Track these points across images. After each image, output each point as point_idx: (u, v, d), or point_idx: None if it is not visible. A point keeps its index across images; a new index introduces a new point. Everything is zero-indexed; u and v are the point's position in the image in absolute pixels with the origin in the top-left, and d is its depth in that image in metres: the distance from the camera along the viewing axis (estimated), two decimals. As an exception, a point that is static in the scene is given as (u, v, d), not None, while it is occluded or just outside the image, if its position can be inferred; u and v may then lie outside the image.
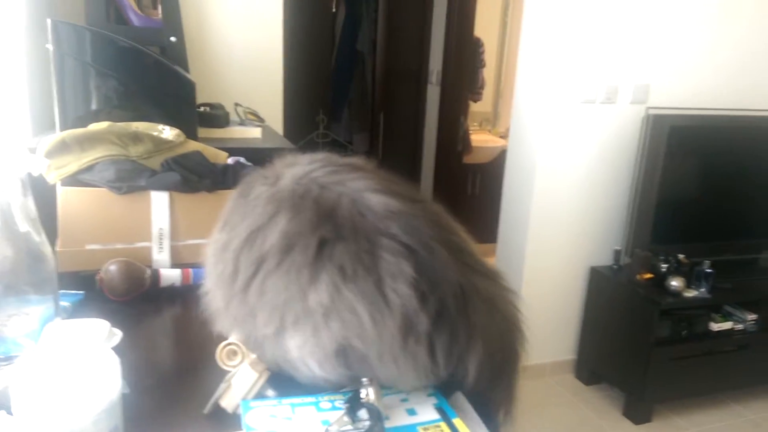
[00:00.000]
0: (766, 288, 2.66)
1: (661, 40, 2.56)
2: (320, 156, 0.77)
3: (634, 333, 2.50)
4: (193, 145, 1.15)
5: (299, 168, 0.74)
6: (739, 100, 2.72)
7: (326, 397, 0.73)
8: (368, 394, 0.67)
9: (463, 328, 0.68)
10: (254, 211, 0.71)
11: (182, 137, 1.15)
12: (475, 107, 4.47)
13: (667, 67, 2.61)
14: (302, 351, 0.68)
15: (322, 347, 0.67)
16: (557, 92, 2.50)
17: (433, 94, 3.87)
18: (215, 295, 0.75)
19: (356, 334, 0.65)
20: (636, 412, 2.53)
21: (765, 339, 2.62)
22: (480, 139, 4.39)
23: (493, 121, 4.72)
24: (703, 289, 2.48)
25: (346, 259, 0.65)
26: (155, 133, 1.13)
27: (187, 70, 1.63)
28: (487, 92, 4.56)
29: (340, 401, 0.71)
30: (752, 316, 2.61)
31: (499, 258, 2.90)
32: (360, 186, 0.70)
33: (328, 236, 0.66)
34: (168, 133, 1.14)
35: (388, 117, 4.19)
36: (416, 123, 4.00)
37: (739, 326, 2.60)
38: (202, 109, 1.59)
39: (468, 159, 4.12)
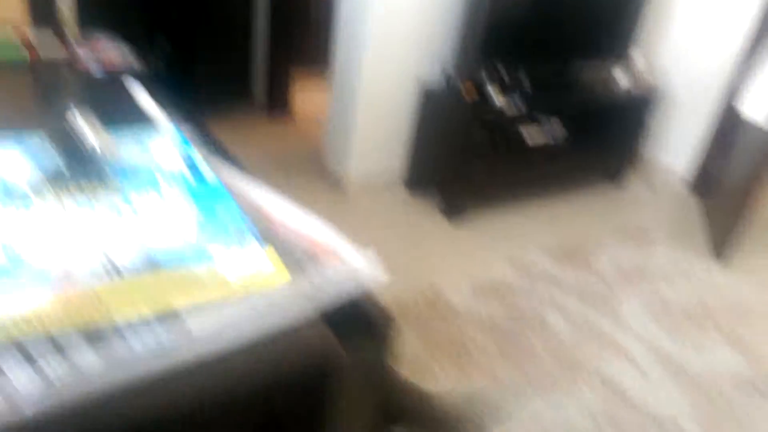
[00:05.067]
0: (571, 99, 2.91)
1: None
2: None
3: (457, 142, 2.66)
4: None
5: None
6: None
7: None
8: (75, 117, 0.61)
9: None
10: None
11: None
12: None
13: None
14: None
15: None
16: None
17: None
18: None
19: None
20: (452, 214, 2.78)
21: (566, 146, 2.92)
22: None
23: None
24: (518, 101, 2.66)
25: None
26: None
27: None
28: None
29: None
30: (558, 124, 2.87)
31: (336, 75, 2.85)
32: None
33: None
34: None
35: None
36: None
37: (547, 133, 2.86)
38: None
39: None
